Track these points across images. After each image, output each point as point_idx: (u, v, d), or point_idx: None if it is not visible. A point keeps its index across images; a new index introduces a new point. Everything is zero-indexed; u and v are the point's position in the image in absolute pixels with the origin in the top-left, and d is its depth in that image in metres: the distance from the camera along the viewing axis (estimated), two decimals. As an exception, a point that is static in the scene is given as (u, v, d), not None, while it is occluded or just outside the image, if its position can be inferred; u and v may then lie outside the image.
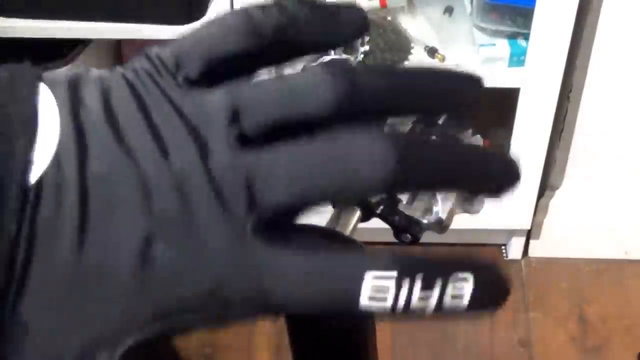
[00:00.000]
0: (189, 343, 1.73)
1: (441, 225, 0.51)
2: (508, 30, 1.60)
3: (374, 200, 0.50)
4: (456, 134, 0.59)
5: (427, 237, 0.53)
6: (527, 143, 1.67)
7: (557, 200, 1.86)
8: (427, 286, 0.29)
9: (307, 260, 0.30)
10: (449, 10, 1.66)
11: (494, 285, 0.30)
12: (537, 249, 1.91)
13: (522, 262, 1.91)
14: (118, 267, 0.29)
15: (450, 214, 0.52)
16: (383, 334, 1.77)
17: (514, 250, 1.91)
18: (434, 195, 0.52)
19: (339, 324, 0.44)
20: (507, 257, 1.92)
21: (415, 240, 0.51)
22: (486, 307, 0.30)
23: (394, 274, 0.29)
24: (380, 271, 0.29)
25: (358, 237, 0.46)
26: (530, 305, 1.83)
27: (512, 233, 1.89)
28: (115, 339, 0.30)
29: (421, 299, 0.29)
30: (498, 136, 1.76)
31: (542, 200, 1.84)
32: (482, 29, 1.63)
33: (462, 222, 0.58)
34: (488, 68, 1.60)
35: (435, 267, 0.29)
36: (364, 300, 0.29)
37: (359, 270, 0.29)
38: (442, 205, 0.52)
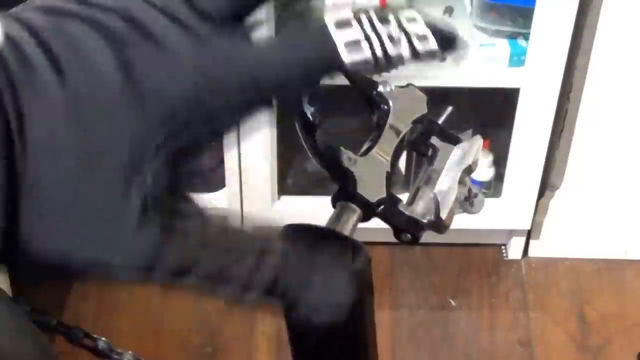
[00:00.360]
0: (189, 343, 1.73)
1: (441, 225, 0.51)
2: (508, 30, 1.60)
3: (373, 200, 0.50)
4: (456, 133, 0.59)
5: (427, 237, 0.53)
6: (527, 143, 1.67)
7: (557, 200, 1.86)
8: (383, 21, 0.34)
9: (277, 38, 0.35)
10: (449, 10, 1.66)
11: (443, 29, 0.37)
12: (537, 249, 1.91)
13: (522, 262, 1.91)
14: (105, 87, 0.31)
15: (450, 214, 0.52)
16: (383, 333, 1.77)
17: (514, 250, 1.91)
18: (434, 196, 0.52)
19: (339, 323, 0.44)
20: (507, 257, 1.92)
21: (415, 240, 0.51)
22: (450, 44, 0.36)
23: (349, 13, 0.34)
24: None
25: (358, 237, 0.46)
26: (530, 305, 1.83)
27: (512, 233, 1.89)
28: (131, 168, 0.31)
29: (392, 44, 0.34)
30: (498, 136, 1.76)
31: (542, 200, 1.84)
32: (482, 29, 1.63)
33: (462, 222, 0.58)
34: (488, 68, 1.60)
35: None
36: (343, 52, 0.33)
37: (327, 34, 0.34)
38: (441, 205, 0.52)
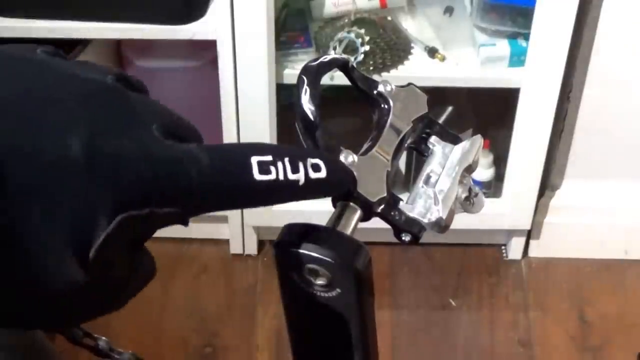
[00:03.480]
0: (189, 343, 1.74)
1: (441, 225, 0.51)
2: (508, 30, 1.60)
3: (374, 199, 0.50)
4: (456, 133, 0.59)
5: (427, 237, 0.53)
6: (527, 143, 1.67)
7: (557, 200, 1.86)
8: (293, 164, 0.41)
9: (210, 149, 0.39)
10: (449, 10, 1.66)
11: (340, 170, 0.46)
12: (537, 249, 1.91)
13: (522, 262, 1.91)
14: (70, 158, 0.33)
15: (450, 214, 0.52)
16: (383, 333, 1.77)
17: (514, 250, 1.91)
18: (434, 195, 0.52)
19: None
20: (507, 257, 1.92)
21: (415, 240, 0.51)
22: (339, 184, 0.46)
23: (269, 157, 0.40)
24: (260, 156, 0.40)
25: (358, 237, 0.46)
26: (530, 305, 1.83)
27: (512, 233, 1.89)
28: (83, 233, 0.34)
29: (294, 173, 0.41)
30: (498, 136, 1.76)
31: (542, 200, 1.84)
32: (482, 29, 1.63)
33: (462, 222, 0.58)
34: (488, 68, 1.60)
35: (294, 152, 0.41)
36: (256, 174, 0.39)
37: (247, 154, 0.40)
38: (442, 205, 0.52)
